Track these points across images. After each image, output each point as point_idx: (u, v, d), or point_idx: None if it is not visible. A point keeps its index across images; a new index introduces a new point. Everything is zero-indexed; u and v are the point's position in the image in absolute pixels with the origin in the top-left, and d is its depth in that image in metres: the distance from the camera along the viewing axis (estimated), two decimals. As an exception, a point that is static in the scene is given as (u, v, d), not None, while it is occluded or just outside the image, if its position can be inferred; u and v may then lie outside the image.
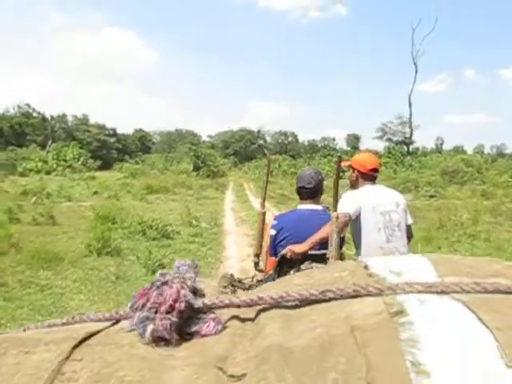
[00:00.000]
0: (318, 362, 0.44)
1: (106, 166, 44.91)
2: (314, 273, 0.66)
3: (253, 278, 2.20)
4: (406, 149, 40.63)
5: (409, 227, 2.58)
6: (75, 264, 5.50)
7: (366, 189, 2.56)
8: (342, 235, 2.37)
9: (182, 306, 0.54)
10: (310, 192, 2.47)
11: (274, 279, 2.06)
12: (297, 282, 0.61)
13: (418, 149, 41.86)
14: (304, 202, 2.50)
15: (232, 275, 1.28)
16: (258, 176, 33.38)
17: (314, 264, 2.03)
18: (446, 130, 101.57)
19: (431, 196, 19.54)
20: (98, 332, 0.55)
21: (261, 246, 2.50)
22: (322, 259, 2.06)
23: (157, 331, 0.52)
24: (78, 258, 5.79)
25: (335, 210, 1.79)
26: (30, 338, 0.54)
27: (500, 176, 25.29)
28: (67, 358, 0.49)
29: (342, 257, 2.15)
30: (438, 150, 45.24)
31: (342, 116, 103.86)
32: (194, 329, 0.54)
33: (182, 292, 0.55)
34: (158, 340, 0.52)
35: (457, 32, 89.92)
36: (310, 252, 2.16)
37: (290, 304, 0.54)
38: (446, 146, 49.54)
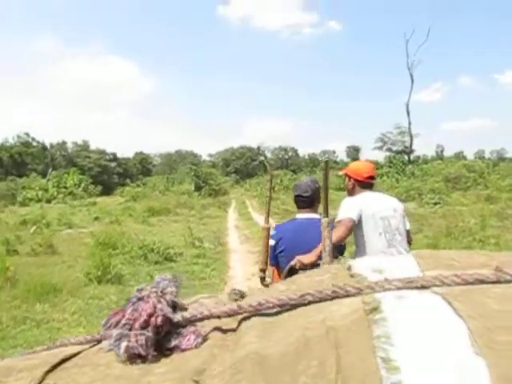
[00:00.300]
0: (292, 367, 0.43)
1: (108, 191, 44.94)
2: (296, 278, 0.66)
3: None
4: (406, 158, 40.58)
5: (408, 232, 2.61)
6: (74, 294, 5.29)
7: (365, 195, 2.58)
8: (345, 241, 2.40)
9: (159, 320, 0.52)
10: (307, 201, 2.48)
11: None
12: (280, 289, 0.61)
13: (418, 157, 41.77)
14: (302, 211, 2.51)
15: (240, 290, 1.21)
16: (260, 192, 33.27)
17: None
18: (446, 137, 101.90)
19: (435, 203, 19.32)
20: (75, 355, 0.54)
21: (267, 261, 2.45)
22: None
23: (132, 348, 0.50)
24: (77, 287, 5.59)
25: (326, 216, 1.78)
26: (7, 367, 0.53)
27: (502, 180, 25.10)
28: (39, 383, 0.49)
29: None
30: (439, 157, 45.15)
31: (341, 129, 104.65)
32: (173, 344, 0.52)
33: (159, 306, 0.53)
34: (134, 357, 0.50)
35: (449, 41, 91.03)
36: (318, 262, 2.08)
37: (270, 311, 0.53)
38: (447, 153, 49.67)
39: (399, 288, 0.49)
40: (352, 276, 0.57)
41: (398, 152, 43.74)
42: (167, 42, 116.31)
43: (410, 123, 39.48)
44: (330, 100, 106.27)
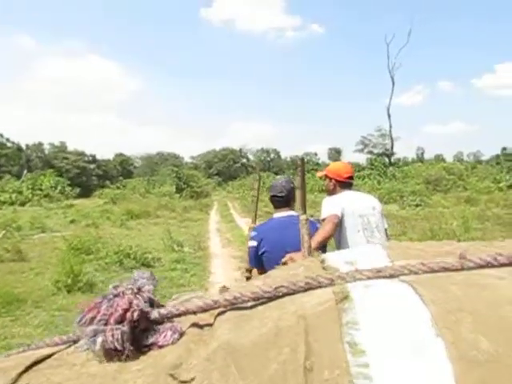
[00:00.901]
0: (263, 356, 0.45)
1: (86, 193, 43.82)
2: (271, 273, 0.67)
3: None
4: (387, 160, 40.99)
5: (385, 231, 2.67)
6: (40, 305, 4.86)
7: (344, 194, 2.64)
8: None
9: (135, 315, 0.52)
10: (282, 200, 2.50)
11: None
12: (256, 284, 0.62)
13: (399, 159, 42.26)
14: (279, 211, 2.52)
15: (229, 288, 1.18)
16: (242, 195, 32.97)
17: None
18: (425, 140, 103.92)
19: (417, 205, 19.44)
20: (50, 356, 0.54)
21: None
22: None
23: (107, 342, 0.50)
24: (44, 297, 5.16)
25: (304, 213, 1.71)
26: None
27: (481, 182, 25.55)
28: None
29: None
30: (420, 159, 45.81)
31: (323, 131, 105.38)
32: (151, 340, 0.53)
33: (135, 302, 0.53)
34: (110, 353, 0.50)
35: (429, 45, 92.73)
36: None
37: (245, 305, 0.54)
38: (427, 156, 50.43)
39: (369, 278, 0.51)
40: (325, 268, 0.59)
41: (379, 154, 44.21)
42: (150, 42, 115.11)
43: (390, 126, 40.00)
44: (312, 102, 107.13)
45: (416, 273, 0.51)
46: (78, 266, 5.73)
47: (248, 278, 2.44)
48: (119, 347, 0.50)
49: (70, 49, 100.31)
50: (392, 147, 40.96)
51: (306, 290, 0.53)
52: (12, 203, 28.21)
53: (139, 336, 0.52)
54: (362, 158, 51.64)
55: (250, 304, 0.54)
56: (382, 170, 34.97)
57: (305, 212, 1.67)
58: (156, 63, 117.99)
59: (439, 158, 42.85)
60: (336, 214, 2.43)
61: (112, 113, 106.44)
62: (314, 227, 2.38)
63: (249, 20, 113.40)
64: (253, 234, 2.45)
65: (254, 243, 2.41)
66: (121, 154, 77.97)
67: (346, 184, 2.71)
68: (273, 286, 0.54)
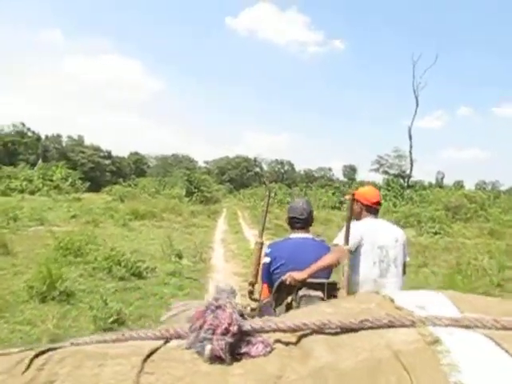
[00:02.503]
0: (370, 381, 0.50)
1: (98, 188, 43.59)
2: (341, 303, 0.71)
3: (246, 307, 2.18)
4: (403, 182, 39.82)
5: (404, 264, 2.62)
6: (3, 315, 4.13)
7: (368, 222, 2.59)
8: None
9: (235, 328, 0.58)
10: (302, 222, 2.54)
11: (271, 305, 2.24)
12: (327, 311, 0.66)
13: (417, 182, 41.00)
14: (296, 232, 2.55)
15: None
16: (253, 204, 32.19)
17: (310, 291, 2.10)
18: (442, 165, 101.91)
19: (435, 233, 18.35)
20: (157, 348, 0.59)
21: (257, 275, 2.48)
22: (318, 287, 2.14)
23: (214, 350, 0.56)
24: (11, 305, 4.44)
25: (346, 244, 1.92)
26: (98, 352, 0.58)
27: (504, 214, 24.27)
28: (140, 370, 0.54)
29: (334, 286, 2.20)
30: (439, 184, 44.37)
31: (338, 147, 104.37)
32: (243, 350, 0.58)
33: (234, 316, 0.60)
34: (215, 359, 0.56)
35: (451, 70, 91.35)
36: (308, 280, 2.18)
37: (331, 331, 0.58)
38: (444, 181, 49.01)
39: (447, 325, 0.55)
40: (398, 308, 0.62)
41: (395, 175, 43.08)
42: (174, 45, 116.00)
43: (411, 147, 38.89)
44: (329, 118, 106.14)
45: (489, 328, 0.54)
46: (58, 270, 5.00)
47: (251, 292, 2.51)
48: (223, 356, 0.56)
49: (95, 46, 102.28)
50: (411, 169, 39.84)
51: (388, 327, 0.56)
52: (22, 191, 28.00)
53: (234, 345, 0.57)
54: (377, 178, 50.61)
55: (335, 331, 0.58)
56: (398, 191, 33.85)
57: (347, 243, 1.79)
58: (178, 66, 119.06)
59: (459, 185, 41.39)
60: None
61: (131, 111, 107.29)
62: (326, 250, 2.43)
63: (272, 32, 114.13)
64: (267, 250, 2.48)
65: (267, 260, 2.45)
66: (136, 153, 78.17)
67: (371, 209, 2.66)
68: (358, 319, 0.58)
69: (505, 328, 0.54)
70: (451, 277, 7.60)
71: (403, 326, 0.56)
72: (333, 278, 2.49)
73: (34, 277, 4.86)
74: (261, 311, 2.32)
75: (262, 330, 0.60)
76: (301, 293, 2.12)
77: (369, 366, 0.51)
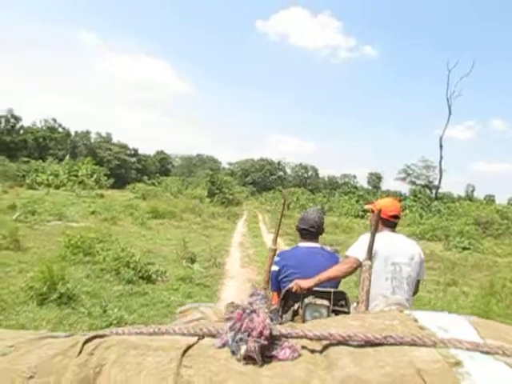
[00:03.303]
0: None
1: (122, 185, 44.18)
2: (366, 317, 0.73)
3: None
4: (430, 193, 38.48)
5: (418, 282, 2.55)
6: (-3, 318, 3.89)
7: (384, 236, 2.50)
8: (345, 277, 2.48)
9: (267, 332, 0.62)
10: (312, 234, 2.57)
11: (278, 312, 2.26)
12: (353, 324, 0.68)
13: (446, 194, 39.50)
14: (305, 241, 2.58)
15: (239, 306, 1.11)
16: (275, 208, 31.73)
17: (316, 299, 2.11)
18: (471, 177, 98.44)
19: (464, 248, 17.39)
20: (193, 345, 0.62)
21: (268, 281, 2.35)
22: (325, 295, 2.16)
23: (249, 351, 0.59)
24: (7, 306, 4.19)
25: (369, 259, 1.69)
26: (141, 344, 0.62)
27: (539, 232, 22.88)
28: (180, 364, 0.57)
29: (345, 299, 2.22)
30: (469, 197, 42.60)
31: (364, 154, 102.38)
32: (272, 353, 0.61)
33: (267, 321, 0.63)
34: (248, 359, 0.59)
35: (486, 81, 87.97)
36: (315, 288, 2.19)
37: (355, 343, 0.61)
38: (474, 194, 46.92)
39: (468, 349, 0.56)
40: (421, 328, 0.64)
41: (422, 186, 41.72)
42: (203, 47, 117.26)
43: (441, 157, 37.50)
44: (357, 124, 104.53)
45: (509, 356, 0.55)
46: (62, 270, 4.74)
47: None
48: (256, 357, 0.59)
49: (127, 46, 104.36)
50: (440, 180, 38.38)
51: (411, 345, 0.58)
52: (48, 185, 28.56)
53: (264, 348, 0.60)
54: (402, 188, 49.20)
55: (359, 343, 0.60)
56: (426, 203, 32.66)
57: (370, 258, 1.70)
58: (207, 67, 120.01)
59: (490, 199, 39.59)
60: (359, 258, 2.32)
61: (159, 111, 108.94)
62: (334, 259, 2.46)
63: (303, 36, 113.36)
64: (276, 259, 2.46)
65: (276, 268, 2.46)
66: (161, 152, 79.11)
67: (388, 222, 2.59)
68: (382, 334, 0.60)
69: None
70: (484, 299, 6.95)
71: (425, 345, 0.58)
72: (342, 287, 2.51)
73: (35, 276, 4.61)
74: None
75: (290, 336, 0.63)
76: (306, 301, 2.12)
77: (392, 380, 0.53)
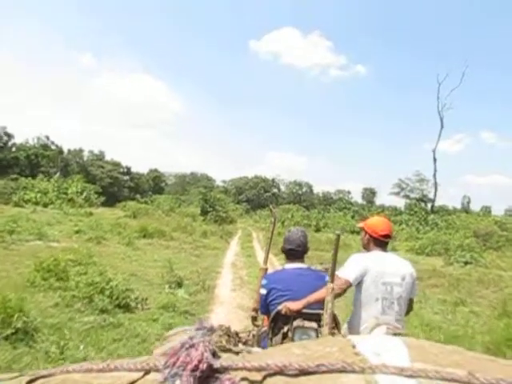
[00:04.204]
0: None
1: (113, 202, 43.33)
2: (310, 345, 0.76)
3: (249, 332, 2.39)
4: (425, 206, 38.09)
5: (411, 301, 2.56)
6: None
7: (375, 255, 2.51)
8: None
9: (205, 366, 0.63)
10: (298, 254, 2.58)
11: (268, 334, 2.28)
12: (296, 352, 0.71)
13: (441, 207, 39.12)
14: (291, 262, 2.58)
15: (229, 328, 1.23)
16: (269, 226, 30.98)
17: (305, 322, 2.15)
18: (464, 189, 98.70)
19: (466, 262, 16.80)
20: (135, 381, 0.64)
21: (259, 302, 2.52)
22: (313, 317, 2.18)
23: None
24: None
25: (332, 282, 1.86)
26: (83, 382, 0.64)
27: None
28: None
29: (335, 320, 2.17)
30: (465, 209, 42.24)
31: (357, 170, 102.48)
32: None
33: (205, 354, 0.64)
34: None
35: (475, 93, 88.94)
36: (304, 310, 2.21)
37: (290, 373, 0.64)
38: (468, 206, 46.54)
39: (393, 373, 0.61)
40: (356, 354, 0.68)
41: (416, 199, 41.40)
42: (198, 66, 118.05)
43: (435, 170, 37.22)
44: (349, 141, 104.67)
45: (430, 378, 0.60)
46: (19, 300, 4.06)
47: (254, 318, 2.63)
48: None
49: (121, 66, 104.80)
50: (435, 193, 38.01)
51: (341, 372, 0.62)
52: (36, 203, 27.72)
53: (203, 381, 0.61)
54: (397, 202, 48.85)
55: (294, 373, 0.64)
56: (422, 216, 32.21)
57: (332, 281, 1.86)
58: (201, 87, 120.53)
59: (486, 210, 39.23)
60: (349, 280, 2.35)
61: (153, 130, 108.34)
62: (322, 280, 2.35)
63: (295, 55, 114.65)
64: (264, 282, 2.51)
65: (264, 291, 2.46)
66: (155, 170, 78.48)
67: (379, 242, 2.57)
68: (315, 363, 0.64)
69: (444, 379, 0.60)
70: (497, 320, 6.35)
71: (354, 372, 0.62)
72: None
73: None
74: (258, 339, 2.40)
75: (230, 368, 0.65)
76: (295, 323, 2.12)
77: None
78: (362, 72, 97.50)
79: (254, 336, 2.32)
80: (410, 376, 0.60)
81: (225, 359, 0.67)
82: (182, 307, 5.68)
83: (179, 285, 6.90)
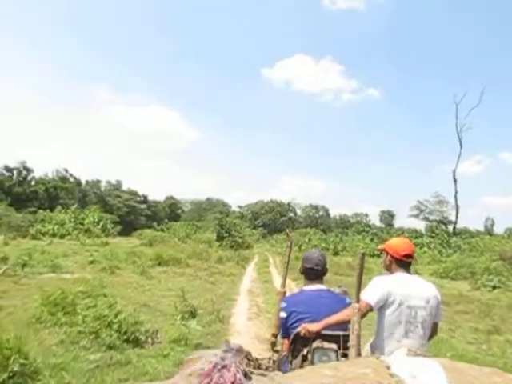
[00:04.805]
0: None
1: (131, 231, 43.50)
2: (341, 366, 0.75)
3: (269, 358, 2.30)
4: (445, 228, 36.96)
5: (435, 325, 2.50)
6: None
7: (398, 277, 2.46)
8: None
9: None
10: (317, 273, 2.53)
11: (288, 357, 2.27)
12: (326, 373, 0.69)
13: (462, 229, 37.90)
14: (310, 283, 2.54)
15: (249, 352, 1.27)
16: (285, 250, 30.42)
17: (324, 343, 2.11)
18: (484, 211, 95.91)
19: (494, 287, 15.95)
20: None
21: (278, 325, 2.47)
22: (333, 339, 2.15)
23: None
24: None
25: (357, 302, 1.81)
26: None
27: None
28: None
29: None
30: (488, 231, 40.81)
31: (374, 193, 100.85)
32: None
33: (238, 376, 0.66)
34: None
35: (491, 113, 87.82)
36: (323, 331, 2.16)
37: None
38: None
39: None
40: (391, 375, 0.67)
41: (437, 222, 40.30)
42: (212, 95, 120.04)
43: (456, 192, 36.37)
44: (365, 164, 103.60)
45: None
46: (16, 340, 3.80)
47: (273, 344, 2.61)
48: None
49: (137, 98, 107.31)
50: (457, 215, 36.92)
51: None
52: (53, 235, 27.96)
53: None
54: (416, 224, 47.62)
55: None
56: (444, 239, 31.18)
57: (358, 301, 1.83)
58: (215, 114, 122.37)
59: (511, 232, 37.78)
60: (370, 303, 2.31)
61: (169, 158, 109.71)
62: (342, 303, 2.38)
63: (307, 81, 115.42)
64: (283, 305, 2.48)
65: (284, 315, 2.43)
66: (171, 197, 79.12)
67: (402, 262, 2.51)
68: None
69: None
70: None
71: None
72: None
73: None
74: (279, 364, 2.33)
75: None
76: (314, 345, 2.09)
77: None
78: (376, 94, 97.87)
79: (274, 362, 2.30)
80: None
81: (256, 381, 0.67)
82: (195, 340, 5.34)
83: (192, 315, 6.58)
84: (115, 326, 4.93)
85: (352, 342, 1.83)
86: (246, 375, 0.68)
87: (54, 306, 5.68)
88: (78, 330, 4.98)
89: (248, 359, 1.24)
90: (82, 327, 5.01)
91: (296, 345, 2.21)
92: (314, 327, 2.16)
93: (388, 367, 0.68)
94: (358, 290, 1.89)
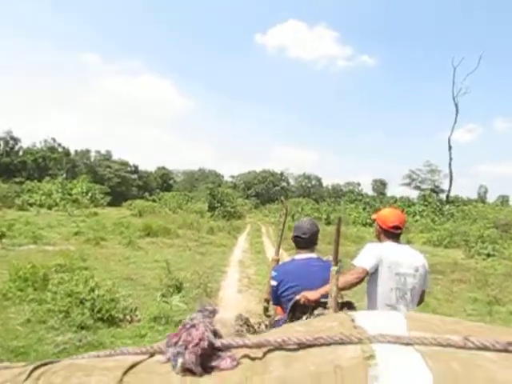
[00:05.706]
0: None
1: (122, 202, 42.90)
2: (312, 322, 0.79)
3: (260, 323, 2.36)
4: (437, 196, 36.88)
5: (422, 292, 2.58)
6: None
7: (388, 246, 2.53)
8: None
9: (205, 344, 0.64)
10: (304, 242, 2.55)
11: (286, 323, 2.29)
12: (297, 329, 0.73)
13: (457, 197, 37.83)
14: (300, 252, 2.57)
15: (248, 318, 1.30)
16: (279, 220, 30.25)
17: (325, 311, 2.13)
18: (477, 179, 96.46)
19: (488, 255, 15.81)
20: (140, 362, 0.65)
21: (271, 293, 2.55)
22: None
23: (186, 363, 0.61)
24: None
25: (335, 265, 1.88)
26: (88, 365, 0.64)
27: None
28: (120, 381, 0.59)
29: (352, 308, 2.20)
30: (482, 199, 40.86)
31: (367, 162, 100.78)
32: (213, 364, 0.64)
33: (206, 334, 0.65)
34: (187, 371, 0.62)
35: (486, 80, 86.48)
36: (322, 299, 2.24)
37: (290, 347, 0.65)
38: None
39: (390, 342, 0.62)
40: (355, 327, 0.68)
41: (427, 190, 40.21)
42: (204, 63, 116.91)
43: (451, 159, 36.00)
44: (358, 133, 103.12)
45: (427, 345, 0.61)
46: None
47: (266, 309, 2.72)
48: (194, 368, 0.61)
49: (129, 67, 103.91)
50: (450, 183, 36.72)
51: (339, 344, 0.63)
52: (41, 205, 27.30)
53: (205, 359, 0.62)
54: (408, 193, 47.61)
55: (294, 347, 0.65)
56: (437, 207, 31.06)
57: (336, 264, 1.85)
58: (207, 83, 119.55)
59: (504, 200, 37.81)
60: (365, 268, 2.38)
61: (160, 128, 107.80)
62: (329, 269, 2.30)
63: (301, 48, 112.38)
64: (274, 274, 2.54)
65: (274, 283, 2.49)
66: (163, 168, 78.01)
67: (390, 233, 2.56)
68: (314, 336, 0.65)
69: (439, 345, 0.60)
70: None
71: (351, 343, 0.63)
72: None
73: None
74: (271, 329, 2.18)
75: (230, 346, 0.66)
76: (316, 312, 2.07)
77: (311, 378, 0.58)
78: (370, 62, 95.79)
79: (266, 326, 2.34)
80: (407, 343, 0.61)
81: (226, 339, 0.68)
82: (177, 317, 4.90)
83: (178, 289, 6.13)
84: (88, 304, 4.45)
85: (329, 303, 1.87)
86: (216, 334, 0.67)
87: (24, 282, 5.19)
88: (46, 308, 4.49)
89: (247, 325, 1.25)
90: (52, 305, 4.52)
91: (295, 312, 2.23)
92: (313, 295, 2.19)
93: (353, 320, 0.71)
94: (336, 253, 1.90)
